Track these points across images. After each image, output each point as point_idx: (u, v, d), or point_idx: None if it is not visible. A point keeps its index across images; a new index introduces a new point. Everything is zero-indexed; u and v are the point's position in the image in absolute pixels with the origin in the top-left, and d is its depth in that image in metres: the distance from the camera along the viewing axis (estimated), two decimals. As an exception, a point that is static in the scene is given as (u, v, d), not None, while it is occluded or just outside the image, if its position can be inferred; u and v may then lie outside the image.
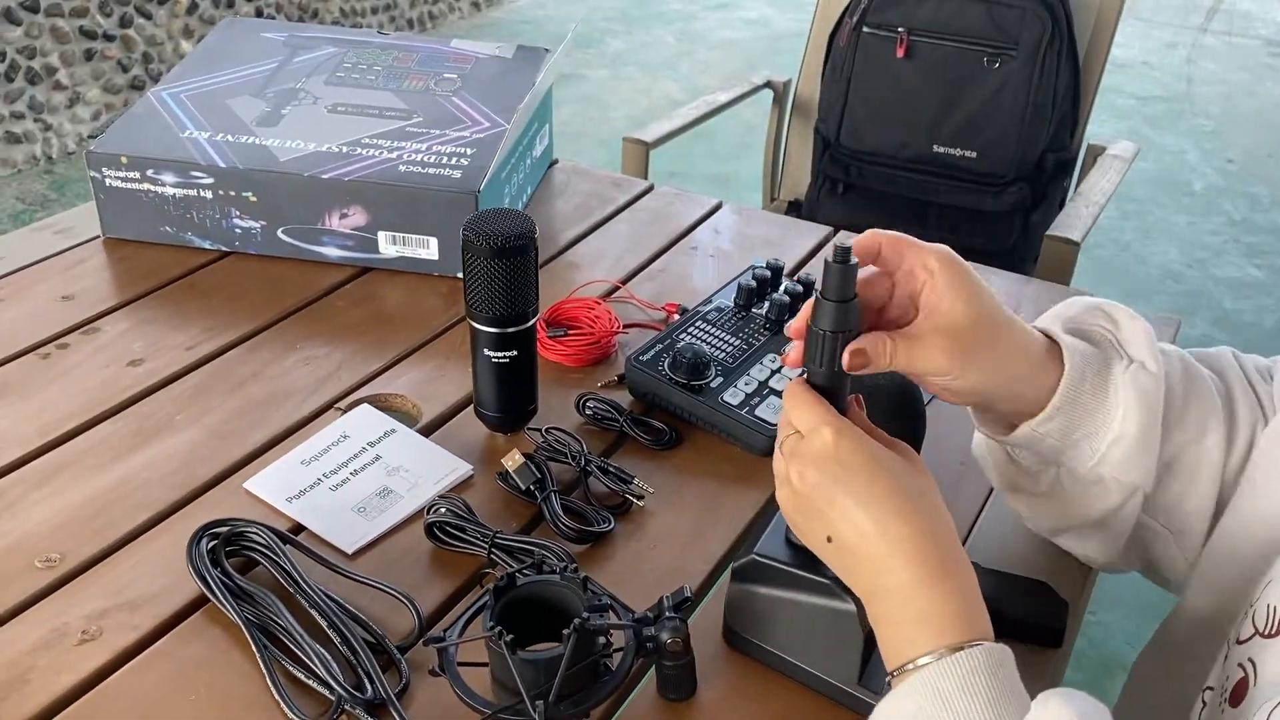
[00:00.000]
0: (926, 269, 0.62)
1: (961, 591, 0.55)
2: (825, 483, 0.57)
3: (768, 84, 2.06)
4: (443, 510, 0.78)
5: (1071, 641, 0.77)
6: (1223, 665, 0.64)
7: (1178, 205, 3.37)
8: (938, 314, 0.62)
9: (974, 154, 1.86)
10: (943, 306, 0.62)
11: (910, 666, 0.54)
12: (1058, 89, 1.82)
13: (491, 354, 0.84)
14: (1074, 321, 0.70)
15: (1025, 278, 1.18)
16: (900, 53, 1.86)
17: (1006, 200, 1.87)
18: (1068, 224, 1.57)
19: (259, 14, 3.67)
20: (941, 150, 1.88)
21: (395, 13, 4.16)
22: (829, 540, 0.59)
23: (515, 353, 0.84)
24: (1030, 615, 0.73)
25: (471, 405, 0.89)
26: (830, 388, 0.61)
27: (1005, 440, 0.69)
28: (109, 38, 3.25)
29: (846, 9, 1.93)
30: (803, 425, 0.59)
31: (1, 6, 2.97)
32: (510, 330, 0.83)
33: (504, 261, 0.80)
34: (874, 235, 0.63)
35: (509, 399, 0.86)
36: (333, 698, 0.66)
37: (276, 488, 0.82)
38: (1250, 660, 0.61)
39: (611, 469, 0.84)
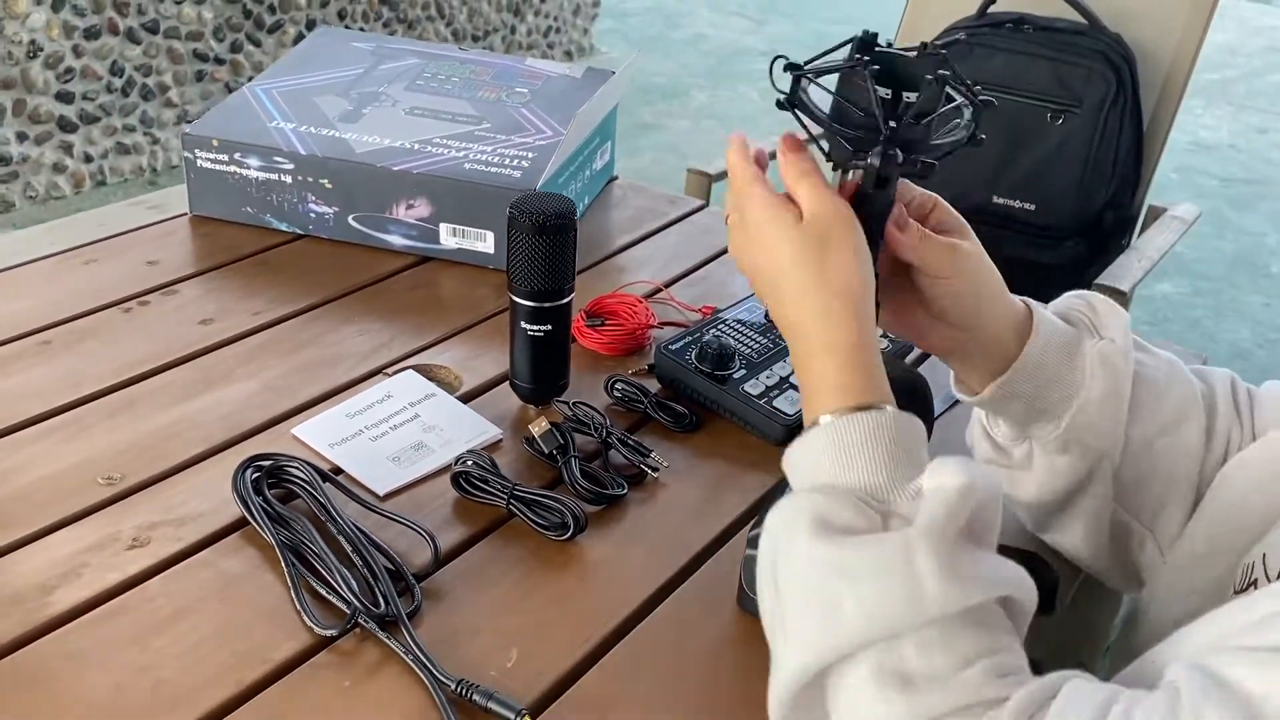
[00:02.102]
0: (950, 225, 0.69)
1: (853, 364, 0.59)
2: (743, 247, 0.65)
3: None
4: (469, 463, 0.84)
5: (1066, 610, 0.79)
6: None
7: (1254, 286, 3.34)
8: (950, 232, 0.69)
9: (1033, 207, 1.89)
10: (955, 229, 0.69)
11: (815, 423, 0.59)
12: (1120, 148, 1.85)
13: (528, 327, 0.90)
14: (1058, 305, 0.74)
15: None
16: (965, 105, 1.91)
17: (1064, 254, 1.89)
18: (1117, 275, 1.60)
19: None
20: (1001, 202, 1.92)
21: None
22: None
23: (549, 327, 0.90)
24: None
25: (507, 380, 0.95)
26: None
27: (975, 400, 0.72)
28: (219, 61, 3.44)
29: (915, 61, 1.99)
30: (731, 193, 0.66)
31: (125, 27, 3.17)
32: (546, 305, 0.89)
33: (544, 239, 0.86)
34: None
35: (541, 371, 0.92)
36: (349, 611, 0.71)
37: (321, 434, 0.89)
38: None
39: (631, 442, 0.89)
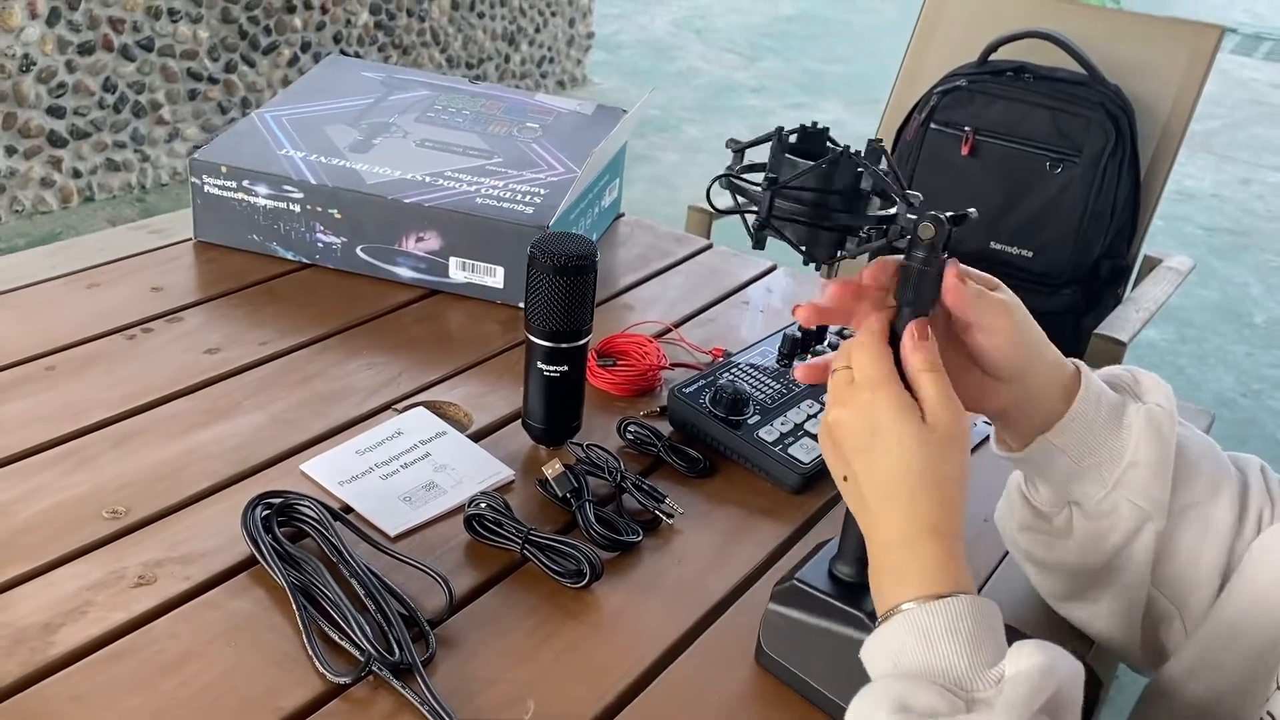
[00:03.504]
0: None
1: (949, 552, 0.59)
2: (855, 436, 0.62)
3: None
4: (483, 505, 0.82)
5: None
6: None
7: (1238, 335, 3.37)
8: (986, 285, 0.68)
9: (1030, 254, 1.90)
10: (989, 283, 0.68)
11: (896, 610, 0.58)
12: (1117, 198, 1.87)
13: (544, 367, 0.89)
14: (1101, 373, 0.74)
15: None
16: (965, 151, 1.92)
17: (1060, 302, 1.90)
18: (1116, 325, 1.60)
19: (356, 72, 3.84)
20: (999, 247, 1.93)
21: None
22: (845, 479, 0.63)
23: (566, 368, 0.89)
24: None
25: (519, 419, 0.94)
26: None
27: (1019, 456, 0.72)
28: (213, 80, 3.42)
29: (916, 106, 2.00)
30: (858, 372, 0.63)
31: (120, 44, 3.16)
32: (563, 346, 0.88)
33: (564, 279, 0.86)
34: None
35: (555, 412, 0.91)
36: (362, 658, 0.70)
37: (330, 471, 0.87)
38: None
39: (645, 487, 0.88)
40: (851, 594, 0.68)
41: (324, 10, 3.64)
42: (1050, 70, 1.92)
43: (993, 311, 0.66)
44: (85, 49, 3.09)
